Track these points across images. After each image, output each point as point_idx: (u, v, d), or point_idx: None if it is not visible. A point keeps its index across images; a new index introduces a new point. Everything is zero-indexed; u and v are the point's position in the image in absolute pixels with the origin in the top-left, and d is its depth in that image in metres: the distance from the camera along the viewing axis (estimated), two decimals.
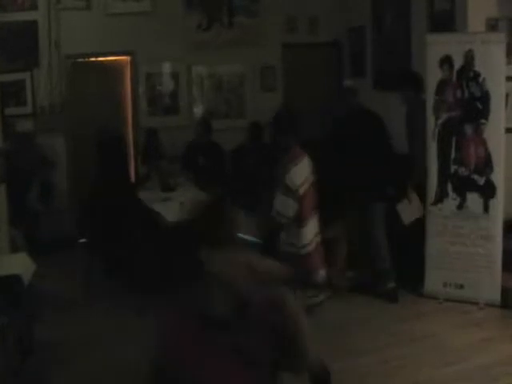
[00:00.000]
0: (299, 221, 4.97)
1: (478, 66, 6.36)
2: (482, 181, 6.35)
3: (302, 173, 4.93)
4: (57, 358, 5.64)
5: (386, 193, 6.84)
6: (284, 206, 4.90)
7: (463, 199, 6.53)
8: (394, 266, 6.74)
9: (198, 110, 9.41)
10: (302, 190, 4.91)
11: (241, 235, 2.58)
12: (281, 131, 5.07)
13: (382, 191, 6.80)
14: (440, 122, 6.63)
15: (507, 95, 6.68)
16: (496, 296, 6.25)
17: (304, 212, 4.98)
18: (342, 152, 6.64)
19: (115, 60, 9.08)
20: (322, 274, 5.11)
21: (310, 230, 5.05)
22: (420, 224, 6.76)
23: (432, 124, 6.67)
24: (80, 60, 8.77)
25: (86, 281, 7.22)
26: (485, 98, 6.33)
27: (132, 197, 7.22)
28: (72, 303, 6.83)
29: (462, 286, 6.45)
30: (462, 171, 6.22)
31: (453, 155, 6.55)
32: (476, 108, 6.39)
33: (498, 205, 6.40)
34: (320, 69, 9.83)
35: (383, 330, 5.92)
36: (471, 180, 6.40)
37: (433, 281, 6.67)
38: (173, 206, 7.16)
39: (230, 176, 8.66)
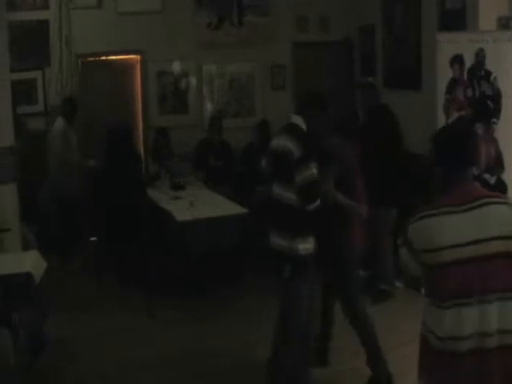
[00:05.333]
0: None
1: (489, 65, 6.35)
2: (493, 180, 6.33)
3: (440, 234, 3.20)
4: (67, 355, 5.69)
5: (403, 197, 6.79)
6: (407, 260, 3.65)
7: None
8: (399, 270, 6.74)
9: (209, 109, 9.42)
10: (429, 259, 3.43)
11: None
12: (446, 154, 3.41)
13: (397, 194, 6.76)
14: (450, 121, 6.63)
15: None
16: None
17: None
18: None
19: (126, 59, 9.10)
20: None
21: None
22: None
23: (442, 122, 6.66)
24: (91, 59, 8.80)
25: (97, 279, 7.27)
26: (496, 96, 6.31)
27: (142, 195, 7.24)
28: (82, 301, 6.88)
29: None
30: (473, 171, 6.19)
31: None
32: (487, 107, 6.38)
33: None
34: (330, 68, 9.81)
35: (390, 330, 5.90)
36: (482, 179, 6.38)
37: None
38: (183, 204, 7.19)
39: (240, 174, 8.66)
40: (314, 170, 4.39)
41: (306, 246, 4.49)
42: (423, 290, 3.18)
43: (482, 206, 2.93)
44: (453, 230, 2.90)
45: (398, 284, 6.98)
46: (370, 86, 7.17)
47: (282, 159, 4.49)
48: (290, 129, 4.62)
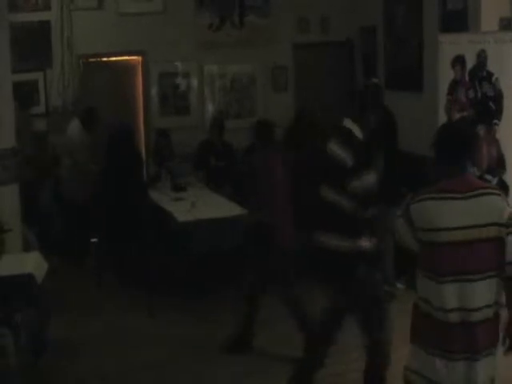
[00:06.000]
0: None
1: (491, 66, 6.35)
2: (494, 181, 6.33)
3: (439, 217, 3.48)
4: (68, 356, 5.69)
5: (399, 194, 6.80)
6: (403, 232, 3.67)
7: None
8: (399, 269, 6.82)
9: (210, 110, 9.42)
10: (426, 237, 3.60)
11: None
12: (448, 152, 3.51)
13: (395, 193, 6.77)
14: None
15: None
16: None
17: None
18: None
19: (127, 60, 9.11)
20: None
21: None
22: None
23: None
24: (92, 60, 8.80)
25: (97, 280, 7.27)
26: (498, 97, 6.31)
27: (144, 196, 7.25)
28: (83, 302, 6.88)
29: None
30: (475, 171, 6.20)
31: None
32: (489, 108, 6.38)
33: None
34: (332, 69, 9.82)
35: (395, 330, 5.89)
36: (484, 180, 6.39)
37: None
38: (184, 205, 7.19)
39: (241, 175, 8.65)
40: (368, 176, 4.48)
41: (366, 242, 4.58)
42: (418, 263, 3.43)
43: (479, 195, 3.27)
44: (452, 214, 3.23)
45: (398, 285, 6.98)
46: (376, 86, 7.14)
47: (333, 166, 4.54)
48: (341, 134, 4.63)
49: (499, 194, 3.33)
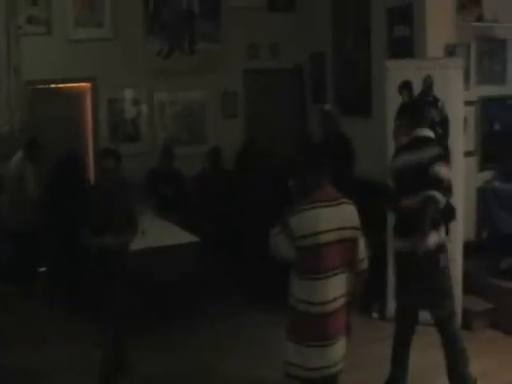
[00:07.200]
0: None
1: (437, 91, 6.45)
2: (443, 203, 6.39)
3: (320, 222, 3.96)
4: None
5: None
6: (281, 244, 4.05)
7: None
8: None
9: (160, 137, 9.36)
10: (310, 242, 3.97)
11: None
12: (310, 168, 4.12)
13: None
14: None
15: (465, 119, 6.79)
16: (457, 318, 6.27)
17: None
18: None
19: (76, 86, 9.01)
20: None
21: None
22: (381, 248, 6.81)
23: (392, 148, 6.71)
24: (40, 86, 8.69)
25: (47, 309, 7.14)
26: (444, 122, 6.41)
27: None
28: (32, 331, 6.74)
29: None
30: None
31: None
32: (436, 132, 6.45)
33: (459, 227, 6.46)
34: (282, 95, 9.87)
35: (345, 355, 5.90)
36: None
37: (394, 304, 6.68)
38: None
39: (192, 203, 8.62)
40: None
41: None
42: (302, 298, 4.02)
43: (342, 203, 4.02)
44: (328, 219, 3.91)
45: (374, 315, 7.00)
46: (327, 113, 7.21)
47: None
48: (424, 141, 5.11)
49: (353, 204, 4.08)
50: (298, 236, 3.89)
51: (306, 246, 3.91)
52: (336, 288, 3.98)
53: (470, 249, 6.77)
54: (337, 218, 3.94)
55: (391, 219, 6.72)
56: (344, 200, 4.04)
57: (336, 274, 3.97)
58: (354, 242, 4.03)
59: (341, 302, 4.03)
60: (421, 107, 5.66)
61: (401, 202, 5.19)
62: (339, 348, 4.09)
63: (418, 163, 5.05)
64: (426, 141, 5.17)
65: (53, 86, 8.82)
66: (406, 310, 5.33)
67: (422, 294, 5.19)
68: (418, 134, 5.18)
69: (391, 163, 5.37)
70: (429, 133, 5.26)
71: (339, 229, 3.94)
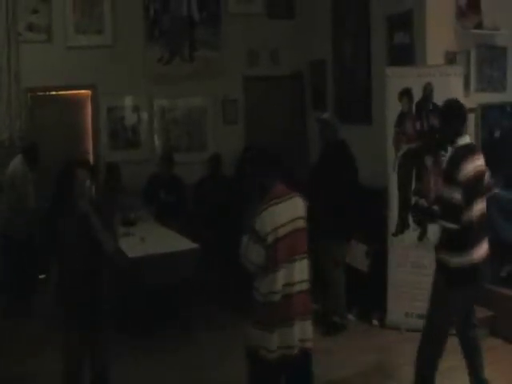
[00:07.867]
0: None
1: (437, 99, 6.44)
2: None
3: (276, 218, 4.24)
4: None
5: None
6: (251, 252, 4.24)
7: (424, 230, 6.57)
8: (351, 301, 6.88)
9: (160, 144, 9.36)
10: (271, 238, 4.22)
11: None
12: (261, 168, 4.44)
13: (349, 228, 6.82)
14: (400, 153, 6.70)
15: None
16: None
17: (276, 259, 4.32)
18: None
19: (76, 93, 9.03)
20: None
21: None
22: (381, 255, 6.81)
23: (392, 155, 6.73)
24: (40, 93, 8.70)
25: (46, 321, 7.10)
26: None
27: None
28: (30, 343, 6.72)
29: (423, 317, 6.43)
30: (423, 202, 6.25)
31: (413, 186, 6.62)
32: (435, 140, 6.46)
33: None
34: (282, 101, 9.88)
35: (346, 362, 5.89)
36: (432, 210, 6.42)
37: (394, 311, 6.69)
38: (133, 240, 7.09)
39: (192, 209, 8.61)
40: None
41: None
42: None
43: (292, 197, 4.33)
44: (282, 213, 4.22)
45: (350, 316, 6.99)
46: (325, 122, 7.21)
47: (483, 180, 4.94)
48: (474, 148, 5.01)
49: (301, 197, 4.38)
50: (263, 236, 4.14)
51: (270, 243, 4.16)
52: (296, 274, 4.24)
53: None
54: (290, 210, 4.27)
55: (392, 226, 6.75)
56: (294, 194, 4.36)
57: (295, 261, 4.25)
58: (306, 231, 4.37)
59: (302, 286, 4.28)
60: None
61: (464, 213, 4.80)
62: (299, 331, 4.27)
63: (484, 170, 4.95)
64: (474, 147, 5.04)
65: (53, 92, 8.86)
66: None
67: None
68: (465, 142, 4.93)
69: (454, 173, 4.79)
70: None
71: (293, 220, 4.26)
